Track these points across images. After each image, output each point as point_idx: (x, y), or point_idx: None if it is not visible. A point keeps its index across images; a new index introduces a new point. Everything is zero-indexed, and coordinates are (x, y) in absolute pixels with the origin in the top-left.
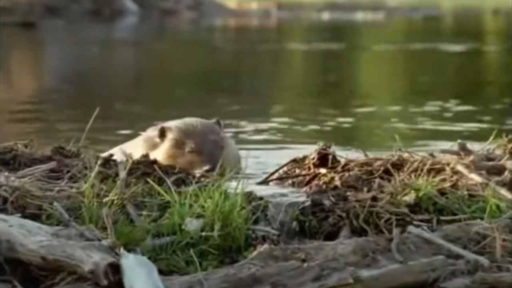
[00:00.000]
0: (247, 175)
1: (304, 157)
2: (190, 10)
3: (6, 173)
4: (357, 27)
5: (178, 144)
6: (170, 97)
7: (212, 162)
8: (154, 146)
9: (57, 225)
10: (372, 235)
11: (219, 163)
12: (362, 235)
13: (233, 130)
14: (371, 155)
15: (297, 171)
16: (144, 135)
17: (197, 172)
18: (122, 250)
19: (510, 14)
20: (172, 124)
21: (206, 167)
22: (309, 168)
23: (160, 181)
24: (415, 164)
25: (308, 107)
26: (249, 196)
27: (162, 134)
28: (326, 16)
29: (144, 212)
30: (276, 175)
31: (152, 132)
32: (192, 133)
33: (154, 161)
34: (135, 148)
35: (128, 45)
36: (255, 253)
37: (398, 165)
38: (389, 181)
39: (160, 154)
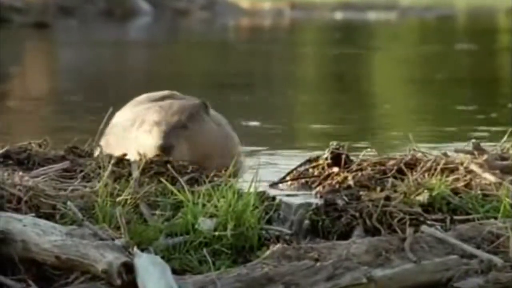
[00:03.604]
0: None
1: (318, 157)
2: (203, 10)
3: (20, 173)
4: (370, 26)
5: (139, 122)
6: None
7: (166, 140)
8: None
9: (71, 224)
10: (385, 235)
11: (177, 143)
12: (375, 234)
13: (246, 130)
14: (384, 154)
15: (311, 171)
16: None
17: (152, 152)
18: (135, 249)
19: None
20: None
21: (158, 145)
22: (323, 168)
23: (173, 181)
24: (429, 164)
25: (321, 106)
26: (262, 196)
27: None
28: (339, 15)
29: (157, 212)
30: (290, 175)
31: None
32: (154, 111)
33: (168, 161)
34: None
35: (142, 46)
36: (268, 252)
37: (412, 165)
38: (403, 180)
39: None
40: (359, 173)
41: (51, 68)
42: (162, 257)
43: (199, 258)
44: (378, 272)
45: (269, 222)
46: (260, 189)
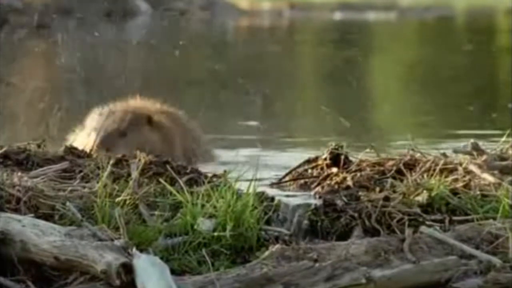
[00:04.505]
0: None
1: (317, 158)
2: (202, 10)
3: (19, 173)
4: (369, 27)
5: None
6: (185, 98)
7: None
8: None
9: (70, 225)
10: (384, 235)
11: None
12: (375, 235)
13: (246, 130)
14: (383, 155)
15: (310, 171)
16: None
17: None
18: (134, 250)
19: None
20: None
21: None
22: (322, 168)
23: (172, 181)
24: (428, 164)
25: (320, 106)
26: (261, 196)
27: None
28: (338, 16)
29: (157, 212)
30: (289, 176)
31: None
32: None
33: (167, 161)
34: None
35: (142, 46)
36: (267, 253)
37: (411, 165)
38: (402, 181)
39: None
40: (358, 174)
41: (50, 68)
42: (161, 258)
43: (198, 259)
44: (377, 273)
45: (268, 222)
46: (259, 190)
